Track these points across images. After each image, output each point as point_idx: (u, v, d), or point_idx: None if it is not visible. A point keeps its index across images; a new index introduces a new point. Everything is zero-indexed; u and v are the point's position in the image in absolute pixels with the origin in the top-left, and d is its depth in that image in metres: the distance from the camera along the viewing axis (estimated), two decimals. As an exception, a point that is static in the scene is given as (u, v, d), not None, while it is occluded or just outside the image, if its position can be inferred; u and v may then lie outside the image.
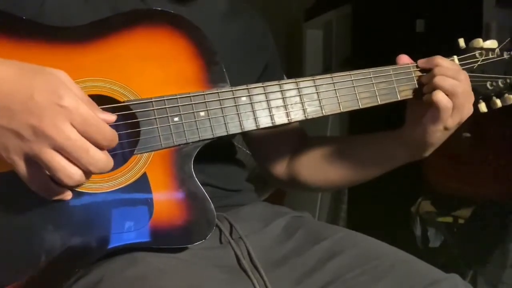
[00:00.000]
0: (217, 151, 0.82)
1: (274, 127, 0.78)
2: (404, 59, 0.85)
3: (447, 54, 0.87)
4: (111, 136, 0.62)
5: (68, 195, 0.66)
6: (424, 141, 0.84)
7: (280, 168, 1.03)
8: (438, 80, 0.79)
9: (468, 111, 0.81)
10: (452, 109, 0.79)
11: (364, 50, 2.58)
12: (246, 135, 1.05)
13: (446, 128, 0.81)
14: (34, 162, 0.59)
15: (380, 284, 0.73)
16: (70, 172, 0.59)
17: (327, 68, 3.26)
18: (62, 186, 0.63)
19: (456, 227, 2.06)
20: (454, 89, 0.78)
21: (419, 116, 0.83)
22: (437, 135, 0.82)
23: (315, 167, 0.98)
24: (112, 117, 0.64)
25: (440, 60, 0.82)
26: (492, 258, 1.80)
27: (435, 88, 0.80)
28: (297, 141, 1.03)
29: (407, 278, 0.74)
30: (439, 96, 0.78)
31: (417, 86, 0.84)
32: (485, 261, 1.82)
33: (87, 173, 0.61)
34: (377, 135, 0.93)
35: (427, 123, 0.81)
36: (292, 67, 3.45)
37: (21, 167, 0.60)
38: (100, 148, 0.61)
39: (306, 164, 0.99)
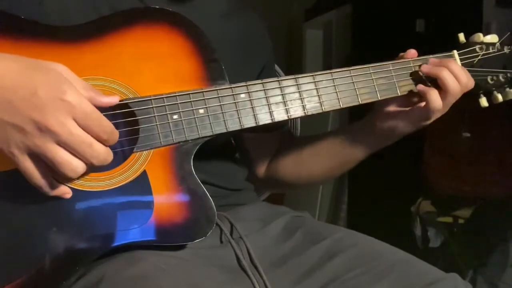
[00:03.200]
0: (217, 150, 0.82)
1: (268, 126, 0.77)
2: (411, 53, 0.86)
3: (447, 50, 0.87)
4: (111, 131, 0.63)
5: (68, 192, 0.66)
6: (398, 132, 0.86)
7: (261, 169, 1.05)
8: (444, 74, 0.80)
9: (444, 111, 0.84)
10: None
11: (364, 50, 2.58)
12: (234, 135, 1.05)
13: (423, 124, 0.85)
14: (35, 156, 0.60)
15: (380, 284, 0.73)
16: (75, 166, 0.61)
17: (327, 68, 3.24)
18: (64, 180, 0.64)
19: (456, 227, 2.06)
20: (454, 91, 0.80)
21: (393, 105, 0.85)
22: (410, 129, 0.86)
23: (290, 164, 1.00)
24: (115, 99, 0.65)
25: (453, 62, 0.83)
26: (492, 258, 1.80)
27: (438, 77, 0.81)
28: (281, 142, 1.04)
29: (407, 278, 0.74)
30: (434, 97, 0.80)
31: (415, 77, 0.84)
32: (485, 261, 1.81)
33: (89, 166, 0.62)
34: (346, 127, 0.95)
35: (412, 114, 0.84)
36: (292, 67, 3.46)
37: (23, 161, 0.60)
38: (101, 142, 0.62)
39: (283, 161, 1.01)
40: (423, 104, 0.83)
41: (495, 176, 1.97)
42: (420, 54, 0.86)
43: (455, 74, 0.81)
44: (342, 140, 0.94)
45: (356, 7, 2.85)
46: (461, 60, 0.87)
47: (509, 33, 0.89)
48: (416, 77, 0.84)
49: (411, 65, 0.84)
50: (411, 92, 0.84)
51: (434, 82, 0.82)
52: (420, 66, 0.84)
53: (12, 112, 0.58)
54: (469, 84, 0.83)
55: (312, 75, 0.78)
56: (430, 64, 0.84)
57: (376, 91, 0.82)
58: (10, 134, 0.59)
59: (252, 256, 0.78)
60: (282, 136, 1.05)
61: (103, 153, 0.62)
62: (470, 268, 1.86)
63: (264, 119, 0.75)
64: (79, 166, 0.61)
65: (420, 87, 0.82)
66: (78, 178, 0.64)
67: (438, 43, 0.90)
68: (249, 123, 0.74)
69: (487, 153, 1.98)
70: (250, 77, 0.92)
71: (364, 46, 2.64)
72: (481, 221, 1.95)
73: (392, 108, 0.86)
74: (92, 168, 0.64)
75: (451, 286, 0.74)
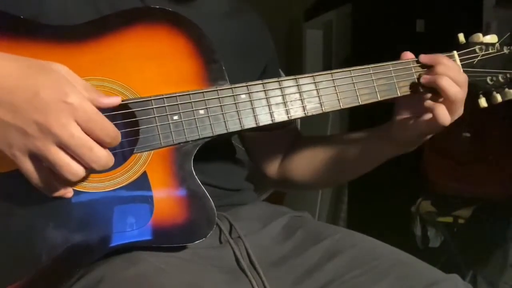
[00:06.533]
0: (217, 151, 0.82)
1: (273, 125, 0.77)
2: (408, 55, 0.85)
3: (447, 50, 0.87)
4: (114, 133, 0.62)
5: (69, 192, 0.66)
6: (414, 139, 0.86)
7: (273, 168, 1.04)
8: (444, 82, 0.79)
9: (459, 114, 0.82)
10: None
11: (364, 50, 2.58)
12: (241, 135, 1.05)
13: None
14: (36, 158, 0.60)
15: (380, 284, 0.73)
16: (74, 169, 0.60)
17: (327, 68, 3.24)
18: (64, 182, 0.63)
19: (456, 227, 2.06)
20: (456, 96, 0.79)
21: (408, 114, 0.84)
22: (428, 136, 0.84)
23: (305, 165, 0.99)
24: (117, 99, 0.65)
25: (442, 58, 0.82)
26: (492, 258, 1.80)
27: (437, 87, 0.79)
28: (291, 141, 1.04)
29: (407, 279, 0.74)
30: (440, 111, 0.79)
31: (416, 82, 0.84)
32: (485, 261, 1.82)
33: (90, 170, 0.62)
34: (365, 132, 0.94)
35: (422, 126, 0.82)
36: (292, 67, 3.46)
37: (24, 163, 0.60)
38: (103, 145, 0.61)
39: (297, 163, 1.00)
40: (430, 116, 0.80)
41: (495, 176, 1.97)
42: (420, 54, 0.86)
43: (453, 79, 0.79)
44: (361, 144, 0.93)
45: (356, 7, 2.85)
46: (461, 60, 0.86)
47: (508, 33, 0.88)
48: (417, 85, 0.84)
49: (411, 65, 0.84)
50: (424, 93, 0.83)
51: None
52: (420, 75, 0.83)
53: (14, 113, 0.58)
54: (456, 74, 0.80)
55: (312, 76, 0.78)
56: (423, 61, 0.83)
57: (376, 91, 0.81)
58: (11, 135, 0.58)
59: (251, 256, 0.78)
60: (290, 135, 1.04)
61: (104, 158, 0.61)
62: (470, 268, 1.86)
63: (264, 120, 0.75)
64: (79, 170, 0.60)
65: (428, 103, 0.81)
66: (79, 181, 0.64)
67: (438, 43, 0.90)
68: (249, 124, 0.74)
69: (487, 153, 1.98)
70: (251, 76, 0.92)
71: (364, 46, 2.64)
72: (481, 221, 1.95)
73: (406, 117, 0.85)
74: (92, 172, 0.63)
75: (451, 286, 0.74)
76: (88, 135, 0.60)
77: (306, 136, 1.07)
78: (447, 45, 0.89)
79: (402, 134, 0.85)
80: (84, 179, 0.64)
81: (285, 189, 1.18)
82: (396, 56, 0.87)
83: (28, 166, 0.60)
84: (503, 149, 1.96)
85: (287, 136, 1.04)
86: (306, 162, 0.99)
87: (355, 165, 0.95)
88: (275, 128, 0.93)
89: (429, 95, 0.82)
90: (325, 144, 0.98)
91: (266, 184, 1.00)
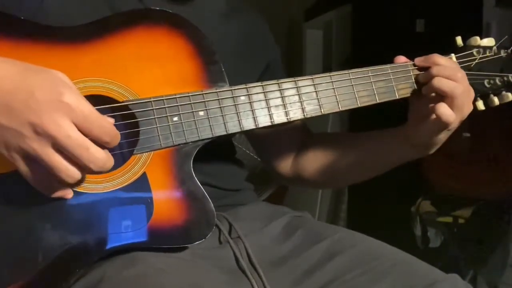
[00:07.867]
0: (216, 151, 0.82)
1: (275, 126, 0.78)
2: (401, 59, 0.85)
3: (446, 53, 0.87)
4: (113, 132, 0.61)
5: (69, 193, 0.66)
6: (428, 140, 0.85)
7: (285, 166, 1.04)
8: (437, 82, 0.79)
9: (468, 109, 0.82)
10: (453, 109, 0.79)
11: (364, 50, 2.58)
12: (249, 134, 1.05)
13: (449, 129, 0.82)
14: (35, 160, 0.59)
15: (380, 284, 0.73)
16: (71, 172, 0.60)
17: (327, 68, 3.26)
18: (62, 184, 0.63)
19: (456, 227, 2.06)
20: (453, 91, 0.78)
21: (421, 115, 0.83)
22: (441, 136, 0.83)
23: (321, 164, 0.99)
24: (110, 120, 0.64)
25: (437, 58, 0.82)
26: (492, 258, 1.81)
27: (434, 90, 0.80)
28: (302, 138, 1.04)
29: (407, 279, 0.74)
30: (441, 110, 0.78)
31: (415, 84, 0.84)
32: (485, 261, 1.82)
33: (87, 171, 0.61)
34: (381, 132, 0.94)
35: (430, 126, 0.82)
36: (292, 67, 3.46)
37: (22, 165, 0.60)
38: (103, 145, 0.61)
39: (311, 161, 1.00)
40: (434, 116, 0.80)
41: (495, 176, 1.97)
42: (420, 54, 0.86)
43: (449, 78, 0.79)
44: (376, 144, 0.93)
45: (356, 7, 2.85)
46: (459, 64, 0.86)
47: (506, 37, 0.89)
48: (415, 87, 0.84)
49: (409, 68, 0.84)
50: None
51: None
52: (417, 77, 0.84)
53: (10, 115, 0.58)
54: (451, 72, 0.80)
55: (312, 78, 0.78)
56: (419, 64, 0.83)
57: (375, 94, 0.82)
58: (8, 138, 0.58)
59: (251, 256, 0.78)
60: (299, 133, 1.04)
61: (101, 158, 0.60)
62: (470, 268, 1.86)
63: (263, 121, 0.75)
64: (75, 172, 0.60)
65: (430, 103, 0.81)
66: (77, 184, 0.64)
67: (438, 43, 0.90)
68: (249, 125, 0.74)
69: (487, 153, 1.98)
70: (252, 76, 0.92)
71: (364, 46, 2.64)
72: (481, 221, 1.95)
73: (418, 117, 0.84)
74: (91, 173, 0.63)
75: (451, 286, 0.74)
76: (86, 135, 0.59)
77: (318, 134, 1.07)
78: (447, 45, 0.90)
79: (415, 134, 0.85)
80: (83, 180, 0.63)
81: (298, 186, 1.18)
82: (396, 56, 0.87)
83: (26, 168, 0.60)
84: (503, 149, 1.96)
85: (297, 132, 1.03)
86: (319, 161, 0.99)
87: (371, 166, 0.95)
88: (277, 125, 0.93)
89: (432, 94, 0.82)
90: (341, 142, 0.98)
91: (277, 182, 1.00)
